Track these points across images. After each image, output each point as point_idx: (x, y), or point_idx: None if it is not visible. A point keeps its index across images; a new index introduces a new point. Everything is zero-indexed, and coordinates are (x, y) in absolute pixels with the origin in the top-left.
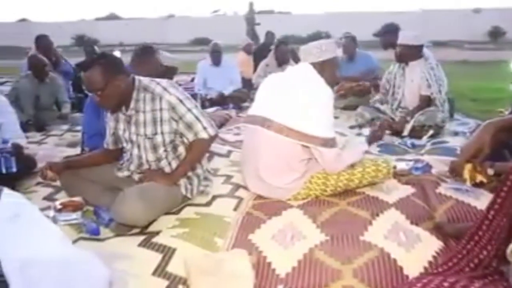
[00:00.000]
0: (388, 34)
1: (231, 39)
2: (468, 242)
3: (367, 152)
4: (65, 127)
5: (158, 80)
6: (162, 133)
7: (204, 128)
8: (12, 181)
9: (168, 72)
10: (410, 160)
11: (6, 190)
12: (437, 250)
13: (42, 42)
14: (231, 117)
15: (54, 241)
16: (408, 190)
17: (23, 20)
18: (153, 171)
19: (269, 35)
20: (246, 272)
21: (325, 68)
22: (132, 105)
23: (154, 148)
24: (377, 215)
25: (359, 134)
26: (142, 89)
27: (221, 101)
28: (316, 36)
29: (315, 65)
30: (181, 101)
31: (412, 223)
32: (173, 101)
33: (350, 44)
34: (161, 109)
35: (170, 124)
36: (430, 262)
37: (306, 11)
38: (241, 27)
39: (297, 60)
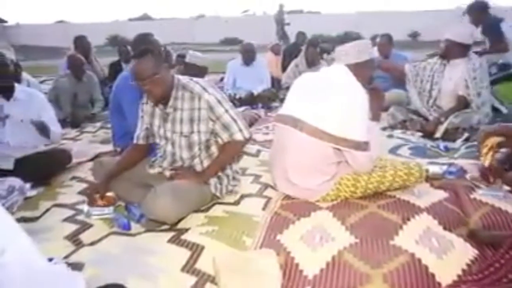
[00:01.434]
0: (475, 12)
1: (260, 39)
2: (507, 251)
3: (398, 154)
4: (98, 124)
5: (196, 79)
6: (198, 132)
7: (240, 130)
8: (48, 176)
9: (199, 72)
10: (443, 164)
11: None
12: (471, 258)
13: (81, 42)
14: (260, 117)
15: (22, 246)
16: (441, 194)
17: (61, 21)
18: (185, 168)
19: (300, 35)
20: (274, 272)
21: (360, 70)
22: (170, 102)
23: (190, 146)
24: (408, 219)
25: (390, 136)
26: (181, 87)
27: (251, 100)
28: (347, 36)
29: (350, 66)
30: (219, 101)
31: (445, 229)
32: (211, 101)
33: (385, 44)
34: (199, 109)
35: (207, 123)
36: (464, 270)
37: (336, 11)
38: (270, 27)
39: (327, 61)
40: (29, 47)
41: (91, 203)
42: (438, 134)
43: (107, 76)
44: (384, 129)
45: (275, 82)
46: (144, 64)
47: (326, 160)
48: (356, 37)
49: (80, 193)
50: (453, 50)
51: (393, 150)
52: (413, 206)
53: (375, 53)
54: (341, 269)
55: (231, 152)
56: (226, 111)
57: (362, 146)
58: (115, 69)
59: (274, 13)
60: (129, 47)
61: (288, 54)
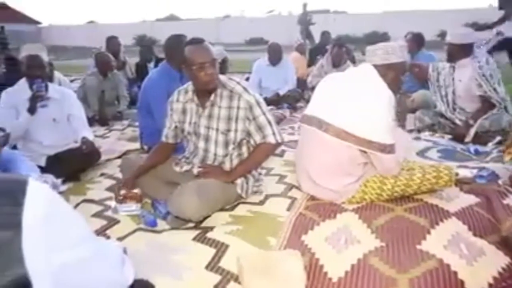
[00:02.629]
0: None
1: (285, 39)
2: None
3: (426, 157)
4: (126, 122)
5: (237, 79)
6: (236, 130)
7: (273, 133)
8: (78, 172)
9: (221, 66)
10: (474, 168)
11: (32, 182)
12: (503, 266)
13: (111, 42)
14: (285, 117)
15: (86, 243)
16: (471, 199)
17: (91, 22)
18: (212, 166)
19: (325, 35)
20: (298, 273)
21: (389, 71)
22: (211, 97)
23: (226, 143)
24: (437, 223)
25: (418, 138)
26: (221, 85)
27: (276, 101)
28: (373, 36)
29: (378, 67)
30: (258, 103)
31: (475, 235)
32: (251, 102)
33: (410, 41)
34: (238, 108)
35: (244, 123)
36: (495, 278)
37: (362, 10)
38: (295, 27)
39: (354, 61)
40: (60, 47)
41: (118, 198)
42: (468, 139)
43: (134, 76)
44: (411, 131)
45: (301, 82)
46: (206, 47)
47: (353, 161)
48: (383, 36)
49: (108, 189)
50: (455, 52)
51: (421, 153)
52: (441, 210)
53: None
54: (366, 273)
55: (262, 154)
56: (264, 113)
57: (387, 148)
58: (141, 68)
59: (299, 13)
60: (153, 47)
61: (313, 54)
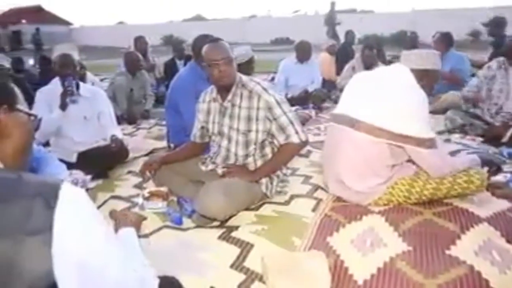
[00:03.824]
0: None
1: (311, 39)
2: None
3: None
4: (153, 121)
5: (257, 79)
6: (256, 131)
7: (296, 133)
8: (106, 169)
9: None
10: (507, 172)
11: (64, 187)
12: None
13: (140, 42)
14: (311, 117)
15: (110, 246)
16: (504, 204)
17: (120, 22)
18: (238, 166)
19: (350, 34)
20: (323, 274)
21: (422, 77)
22: (229, 97)
23: (246, 144)
24: (467, 229)
25: (448, 140)
26: (241, 85)
27: (303, 99)
28: (401, 36)
29: (413, 71)
30: (278, 103)
31: (508, 241)
32: (271, 102)
33: (438, 41)
34: (258, 108)
35: (265, 123)
36: None
37: (390, 9)
38: (322, 27)
39: (385, 62)
40: (91, 47)
41: (141, 174)
42: (505, 139)
43: (162, 75)
44: (441, 133)
45: (328, 83)
46: (220, 45)
47: (382, 162)
48: (411, 36)
49: (135, 186)
50: None
51: (452, 155)
52: (472, 215)
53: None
54: (393, 277)
55: (286, 154)
56: (284, 113)
57: (426, 143)
58: (170, 67)
59: (325, 13)
60: (184, 46)
61: (340, 54)
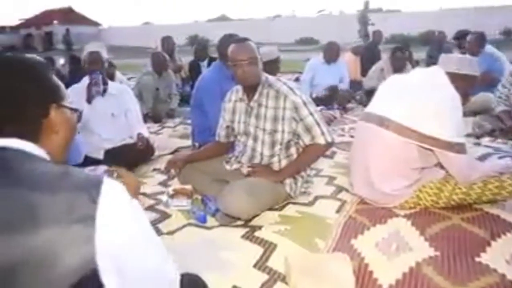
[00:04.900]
0: None
1: (336, 39)
2: None
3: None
4: (178, 120)
5: (284, 80)
6: (282, 131)
7: (322, 134)
8: (132, 166)
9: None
10: None
11: (106, 182)
12: None
13: (167, 42)
14: (336, 118)
15: (148, 237)
16: None
17: (147, 23)
18: (262, 166)
19: (377, 34)
20: (347, 277)
21: (459, 81)
22: (255, 97)
23: (272, 144)
24: (498, 236)
25: (477, 144)
26: (267, 85)
27: (327, 99)
28: (429, 35)
29: (449, 74)
30: (305, 103)
31: None
32: (297, 102)
33: (474, 42)
34: (284, 108)
35: (291, 123)
36: None
37: (417, 8)
38: (346, 27)
39: (412, 62)
40: (118, 47)
41: (166, 171)
42: None
43: (188, 75)
44: (469, 136)
45: (353, 84)
46: (246, 45)
47: (410, 163)
48: (439, 36)
49: (160, 184)
50: None
51: (481, 160)
52: (503, 221)
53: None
54: (419, 283)
55: (312, 155)
56: (311, 113)
57: (455, 147)
58: (194, 67)
59: (358, 11)
60: (207, 47)
61: (366, 54)
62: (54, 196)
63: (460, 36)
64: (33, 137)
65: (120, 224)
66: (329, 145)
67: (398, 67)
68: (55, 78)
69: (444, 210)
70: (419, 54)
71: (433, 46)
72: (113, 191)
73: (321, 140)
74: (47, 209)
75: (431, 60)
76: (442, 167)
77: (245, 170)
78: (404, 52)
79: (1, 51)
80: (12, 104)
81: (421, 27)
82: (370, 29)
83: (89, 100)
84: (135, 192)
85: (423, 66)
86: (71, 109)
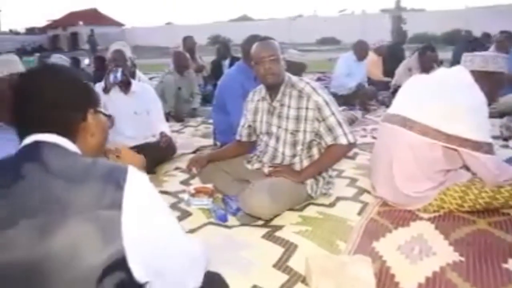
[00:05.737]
0: None
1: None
2: None
3: None
4: (200, 119)
5: (307, 80)
6: (304, 131)
7: (344, 134)
8: (154, 165)
9: (298, 69)
10: None
11: (131, 171)
12: None
13: (188, 42)
14: (357, 118)
15: (171, 224)
16: None
17: (169, 23)
18: (284, 166)
19: (400, 34)
20: (368, 280)
21: (485, 80)
22: (278, 97)
23: (294, 144)
24: None
25: (505, 146)
26: (290, 85)
27: (351, 98)
28: (454, 35)
29: (474, 73)
30: (327, 103)
31: None
32: (320, 102)
33: (503, 41)
34: (307, 108)
35: (313, 123)
36: None
37: (442, 7)
38: (368, 26)
39: (437, 63)
40: (141, 47)
41: (188, 169)
42: None
43: (209, 74)
44: (496, 138)
45: (375, 84)
46: (269, 43)
47: (434, 165)
48: (465, 35)
49: (182, 182)
50: None
51: (508, 163)
52: None
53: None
54: None
55: (334, 155)
56: (333, 113)
57: (484, 147)
58: (216, 67)
59: (392, 9)
60: (229, 46)
61: (389, 54)
62: (83, 185)
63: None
64: (71, 138)
65: (145, 209)
66: (351, 145)
67: (427, 67)
68: (92, 85)
69: (470, 214)
70: (444, 54)
71: (460, 45)
72: (138, 179)
73: (343, 141)
74: (77, 198)
75: (457, 60)
76: (467, 169)
77: (266, 170)
78: (434, 51)
79: (40, 57)
80: (56, 107)
81: (446, 26)
82: (404, 27)
83: (107, 90)
84: (140, 168)
85: (448, 66)
86: (105, 114)
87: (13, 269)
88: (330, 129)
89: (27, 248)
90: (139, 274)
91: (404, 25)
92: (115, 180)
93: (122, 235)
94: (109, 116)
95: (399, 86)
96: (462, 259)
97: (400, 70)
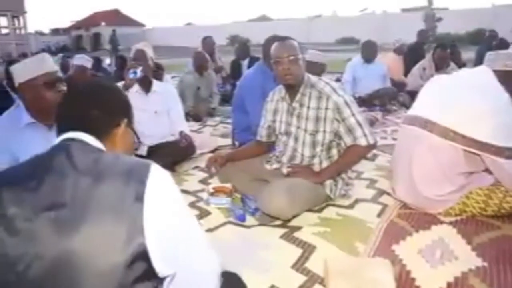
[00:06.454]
0: None
1: (379, 38)
2: None
3: None
4: (218, 119)
5: (326, 80)
6: (324, 131)
7: (364, 135)
8: (173, 164)
9: (318, 70)
10: None
11: (153, 167)
12: None
13: (207, 42)
14: (378, 120)
15: (189, 219)
16: None
17: (189, 24)
18: (303, 166)
19: (422, 33)
20: (388, 283)
21: (509, 79)
22: (297, 97)
23: (313, 144)
24: None
25: None
26: (310, 86)
27: (368, 101)
28: (478, 35)
29: (498, 73)
30: (347, 104)
31: None
32: (340, 103)
33: None
34: (326, 109)
35: (332, 124)
36: None
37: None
38: (389, 26)
39: (459, 63)
40: (161, 47)
41: (207, 168)
42: None
43: (228, 74)
44: None
45: (396, 85)
46: (289, 43)
47: (455, 168)
48: (490, 35)
49: (201, 181)
50: None
51: None
52: None
53: None
54: None
55: (353, 156)
56: (353, 114)
57: (505, 152)
58: (235, 67)
59: (425, 7)
60: (249, 46)
61: (410, 54)
62: (107, 181)
63: None
64: (100, 140)
65: (166, 204)
66: (371, 147)
67: (440, 65)
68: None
69: (493, 219)
70: (467, 54)
71: (484, 45)
72: (160, 175)
73: (363, 141)
74: (101, 193)
75: (481, 61)
76: (491, 172)
77: (285, 170)
78: (445, 50)
79: (63, 57)
80: (97, 108)
81: (471, 26)
82: (438, 25)
83: (125, 87)
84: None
85: (471, 67)
86: (135, 134)
87: (41, 260)
88: (350, 130)
89: (53, 242)
90: (159, 267)
91: (438, 23)
92: (138, 176)
93: (144, 229)
94: (138, 138)
95: (414, 86)
96: (485, 264)
97: (415, 69)
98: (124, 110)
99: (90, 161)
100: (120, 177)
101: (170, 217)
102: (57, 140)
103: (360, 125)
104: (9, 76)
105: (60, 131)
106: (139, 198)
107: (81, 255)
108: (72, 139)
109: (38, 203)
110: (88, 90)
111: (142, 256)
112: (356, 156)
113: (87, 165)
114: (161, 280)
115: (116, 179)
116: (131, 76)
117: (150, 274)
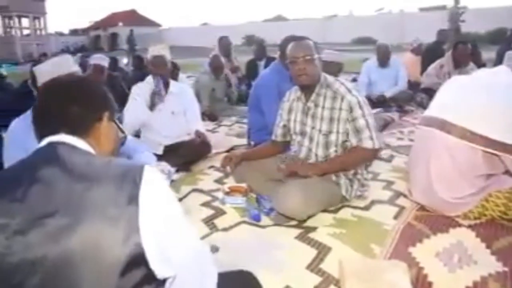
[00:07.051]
0: None
1: (395, 38)
2: None
3: None
4: (234, 118)
5: (342, 80)
6: (337, 132)
7: (371, 138)
8: (189, 164)
9: (333, 68)
10: None
11: (147, 169)
12: None
13: (223, 42)
14: (394, 120)
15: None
16: None
17: (205, 24)
18: (296, 162)
19: (441, 33)
20: (405, 286)
21: None
22: (313, 97)
23: (327, 145)
24: None
25: None
26: (325, 86)
27: (382, 102)
28: (498, 34)
29: None
30: (360, 104)
31: None
32: (353, 103)
33: None
34: (340, 109)
35: (345, 124)
36: None
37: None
38: (406, 26)
39: (479, 63)
40: (178, 47)
41: (222, 167)
42: None
43: (244, 74)
44: None
45: (413, 85)
46: (305, 43)
47: (474, 170)
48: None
49: (216, 181)
50: None
51: None
52: None
53: None
54: None
55: (356, 157)
56: (363, 116)
57: None
58: (252, 67)
59: (450, 7)
60: (265, 47)
61: (428, 54)
62: (101, 184)
63: None
64: (84, 137)
65: (160, 204)
66: (376, 151)
67: (459, 63)
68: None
69: None
70: (488, 54)
71: (504, 45)
72: (153, 177)
73: (368, 144)
74: (95, 196)
75: (501, 61)
76: (511, 175)
77: (281, 165)
78: (467, 45)
79: (82, 57)
80: (76, 102)
81: (491, 25)
82: (462, 26)
83: (152, 108)
84: None
85: (491, 67)
86: (119, 128)
87: (40, 268)
88: (357, 130)
89: (49, 250)
90: (157, 269)
91: (462, 23)
92: (132, 178)
93: (140, 230)
94: (122, 132)
95: (430, 84)
96: (506, 269)
97: (432, 67)
98: (104, 103)
99: (82, 164)
100: (114, 180)
101: (165, 218)
102: (41, 144)
103: (368, 127)
104: (33, 76)
105: (41, 135)
106: (134, 200)
107: (78, 257)
108: (59, 143)
109: (28, 214)
110: (64, 87)
111: (140, 257)
112: (359, 157)
113: (80, 168)
114: (161, 282)
115: (110, 182)
116: (157, 99)
117: (149, 276)
